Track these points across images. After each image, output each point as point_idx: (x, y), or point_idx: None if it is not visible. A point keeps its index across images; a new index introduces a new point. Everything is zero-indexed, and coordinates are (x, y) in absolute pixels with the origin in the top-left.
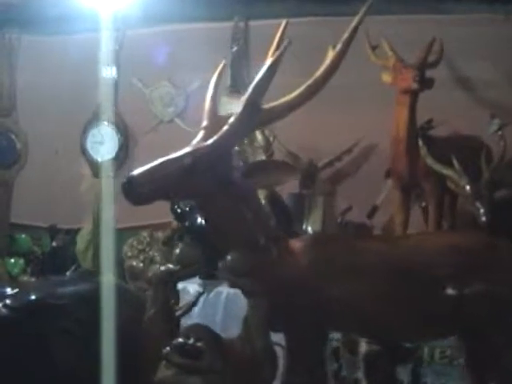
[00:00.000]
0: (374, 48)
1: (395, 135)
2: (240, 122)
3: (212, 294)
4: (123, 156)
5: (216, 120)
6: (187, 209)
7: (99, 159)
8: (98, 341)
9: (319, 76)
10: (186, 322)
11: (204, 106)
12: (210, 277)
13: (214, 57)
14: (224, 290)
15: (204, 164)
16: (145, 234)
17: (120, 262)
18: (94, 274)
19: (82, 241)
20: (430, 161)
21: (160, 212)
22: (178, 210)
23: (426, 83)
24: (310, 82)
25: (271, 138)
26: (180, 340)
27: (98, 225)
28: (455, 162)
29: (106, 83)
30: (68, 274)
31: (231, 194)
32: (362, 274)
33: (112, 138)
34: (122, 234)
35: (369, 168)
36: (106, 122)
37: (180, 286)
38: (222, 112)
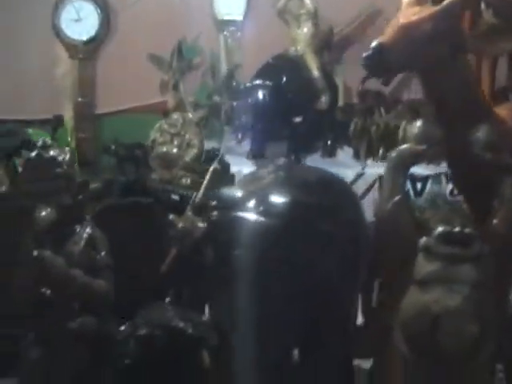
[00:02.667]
0: None
1: None
2: None
3: None
4: (103, 34)
5: None
6: (248, 85)
7: (76, 39)
8: (349, 240)
9: None
10: None
11: None
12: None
13: None
14: None
15: (444, 29)
16: (176, 116)
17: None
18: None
19: None
20: None
21: (145, 93)
22: (241, 86)
23: None
24: None
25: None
26: (444, 228)
27: (79, 111)
28: None
29: None
30: None
31: (461, 63)
32: None
33: (90, 15)
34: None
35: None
36: None
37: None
38: None
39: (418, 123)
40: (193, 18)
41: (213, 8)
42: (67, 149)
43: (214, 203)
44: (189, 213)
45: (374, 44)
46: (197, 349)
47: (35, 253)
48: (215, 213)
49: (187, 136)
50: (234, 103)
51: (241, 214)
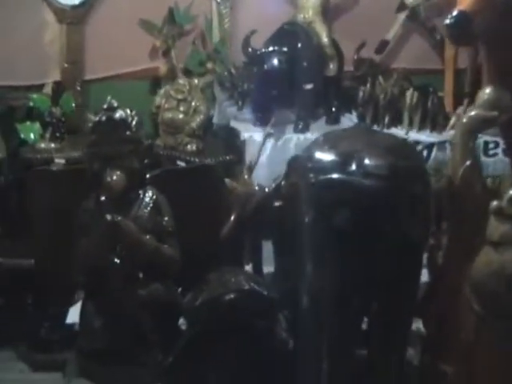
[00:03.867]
0: None
1: None
2: None
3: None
4: None
5: None
6: (264, 50)
7: (65, 3)
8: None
9: None
10: None
11: None
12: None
13: None
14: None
15: None
16: (181, 81)
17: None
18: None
19: None
20: None
21: (135, 59)
22: (258, 52)
23: None
24: None
25: None
26: None
27: (67, 77)
28: None
29: None
30: None
31: None
32: None
33: None
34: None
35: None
36: None
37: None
38: None
39: (488, 89)
40: None
41: None
42: (130, 111)
43: (309, 165)
44: (245, 176)
45: (455, 13)
46: (272, 310)
47: (108, 217)
48: (311, 175)
49: (194, 102)
50: (233, 70)
51: (340, 175)
